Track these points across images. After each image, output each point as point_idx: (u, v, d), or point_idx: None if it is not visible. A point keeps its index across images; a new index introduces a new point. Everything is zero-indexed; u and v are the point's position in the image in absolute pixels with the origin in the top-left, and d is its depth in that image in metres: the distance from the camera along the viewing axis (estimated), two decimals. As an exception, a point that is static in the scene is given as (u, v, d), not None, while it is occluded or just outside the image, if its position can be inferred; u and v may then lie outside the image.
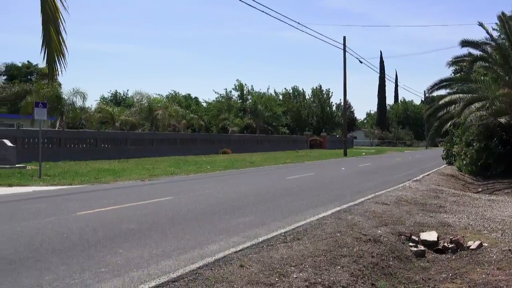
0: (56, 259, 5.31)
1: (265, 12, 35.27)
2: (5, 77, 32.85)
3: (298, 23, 47.65)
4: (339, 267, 5.46)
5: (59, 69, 4.66)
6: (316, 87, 73.43)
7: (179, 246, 6.06)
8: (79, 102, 34.80)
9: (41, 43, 4.55)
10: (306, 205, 9.91)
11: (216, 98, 59.04)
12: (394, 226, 7.96)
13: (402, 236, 7.34)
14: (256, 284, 4.64)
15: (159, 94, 55.34)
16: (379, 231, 7.39)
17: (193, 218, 8.17)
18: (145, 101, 42.86)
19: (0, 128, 26.46)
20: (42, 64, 4.69)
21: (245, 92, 60.10)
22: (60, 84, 37.62)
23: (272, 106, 57.57)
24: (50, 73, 4.62)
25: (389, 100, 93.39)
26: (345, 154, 38.39)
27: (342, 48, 39.07)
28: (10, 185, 13.14)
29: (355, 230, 7.30)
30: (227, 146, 39.14)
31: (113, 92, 66.50)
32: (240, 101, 59.46)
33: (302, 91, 72.67)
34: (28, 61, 52.70)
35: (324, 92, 72.91)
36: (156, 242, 6.24)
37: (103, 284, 4.49)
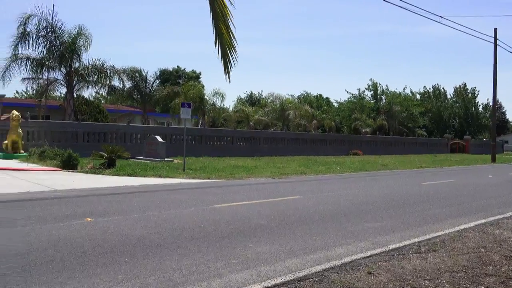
0: (194, 247, 5.80)
1: (402, 7, 33.41)
2: (158, 81, 37.14)
3: (440, 16, 43.90)
4: (482, 287, 4.87)
5: (232, 62, 4.97)
6: (460, 85, 67.02)
7: (306, 245, 6.09)
8: (218, 103, 37.66)
9: (214, 39, 4.94)
10: (444, 214, 9.09)
11: (348, 98, 58.00)
12: (555, 246, 6.80)
13: None
14: (384, 293, 4.41)
15: (291, 95, 56.60)
16: (535, 251, 6.39)
17: (321, 218, 8.14)
18: (278, 101, 44.22)
19: (153, 126, 30.03)
20: (217, 58, 4.98)
21: (379, 91, 57.83)
22: (203, 86, 41.12)
23: (408, 106, 54.30)
24: (225, 67, 4.94)
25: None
26: (493, 160, 34.25)
27: (493, 41, 34.90)
28: (160, 176, 14.81)
29: (504, 247, 6.43)
30: (358, 147, 38.15)
31: (249, 93, 70.13)
32: (374, 101, 57.36)
33: (443, 90, 66.99)
34: (177, 66, 58.89)
35: (468, 91, 66.16)
36: (283, 239, 6.38)
37: (234, 275, 4.74)
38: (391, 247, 6.13)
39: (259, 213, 8.34)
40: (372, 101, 57.22)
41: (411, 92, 63.42)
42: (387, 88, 58.22)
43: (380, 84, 58.14)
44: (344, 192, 12.31)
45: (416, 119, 56.31)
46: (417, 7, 30.20)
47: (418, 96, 64.95)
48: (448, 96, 67.29)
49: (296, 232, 6.92)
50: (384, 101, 56.89)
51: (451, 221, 8.23)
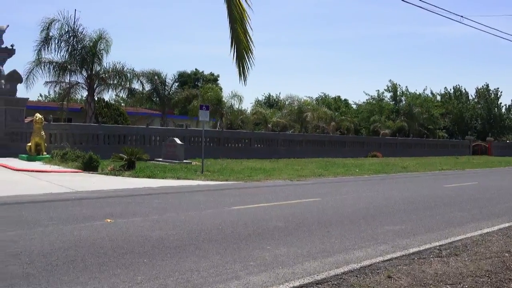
0: (212, 248, 5.81)
1: (421, 7, 32.69)
2: (177, 83, 37.54)
3: (461, 16, 42.85)
4: (506, 292, 4.74)
5: (249, 65, 4.95)
6: (482, 86, 65.50)
7: (324, 248, 6.04)
8: (236, 105, 37.81)
9: (230, 43, 4.93)
10: (466, 217, 8.90)
11: (366, 99, 57.37)
12: None
13: None
14: (404, 298, 4.34)
15: (309, 97, 56.23)
16: (562, 256, 6.19)
17: (339, 221, 8.07)
18: (295, 103, 44.09)
19: (172, 128, 30.31)
20: (232, 62, 4.97)
21: (398, 93, 57.07)
22: (221, 89, 41.36)
23: (428, 107, 53.43)
24: (241, 70, 4.93)
25: None
26: (518, 163, 33.43)
27: (517, 40, 34.09)
28: (178, 178, 14.93)
29: (529, 251, 6.26)
30: (377, 149, 37.71)
31: (267, 95, 70.06)
32: (393, 102, 56.63)
33: (464, 91, 65.67)
34: (196, 69, 59.26)
35: (491, 92, 64.64)
36: (301, 242, 6.34)
37: (251, 277, 4.74)
38: (411, 250, 6.03)
39: (277, 216, 8.32)
40: (391, 103, 56.51)
41: (431, 93, 62.35)
42: (407, 89, 57.46)
43: (399, 85, 57.38)
44: (363, 195, 12.18)
45: (436, 120, 55.36)
46: (437, 6, 29.63)
47: (438, 97, 63.81)
48: (470, 97, 65.96)
49: (314, 234, 6.87)
50: (403, 102, 56.12)
51: (474, 225, 8.05)
